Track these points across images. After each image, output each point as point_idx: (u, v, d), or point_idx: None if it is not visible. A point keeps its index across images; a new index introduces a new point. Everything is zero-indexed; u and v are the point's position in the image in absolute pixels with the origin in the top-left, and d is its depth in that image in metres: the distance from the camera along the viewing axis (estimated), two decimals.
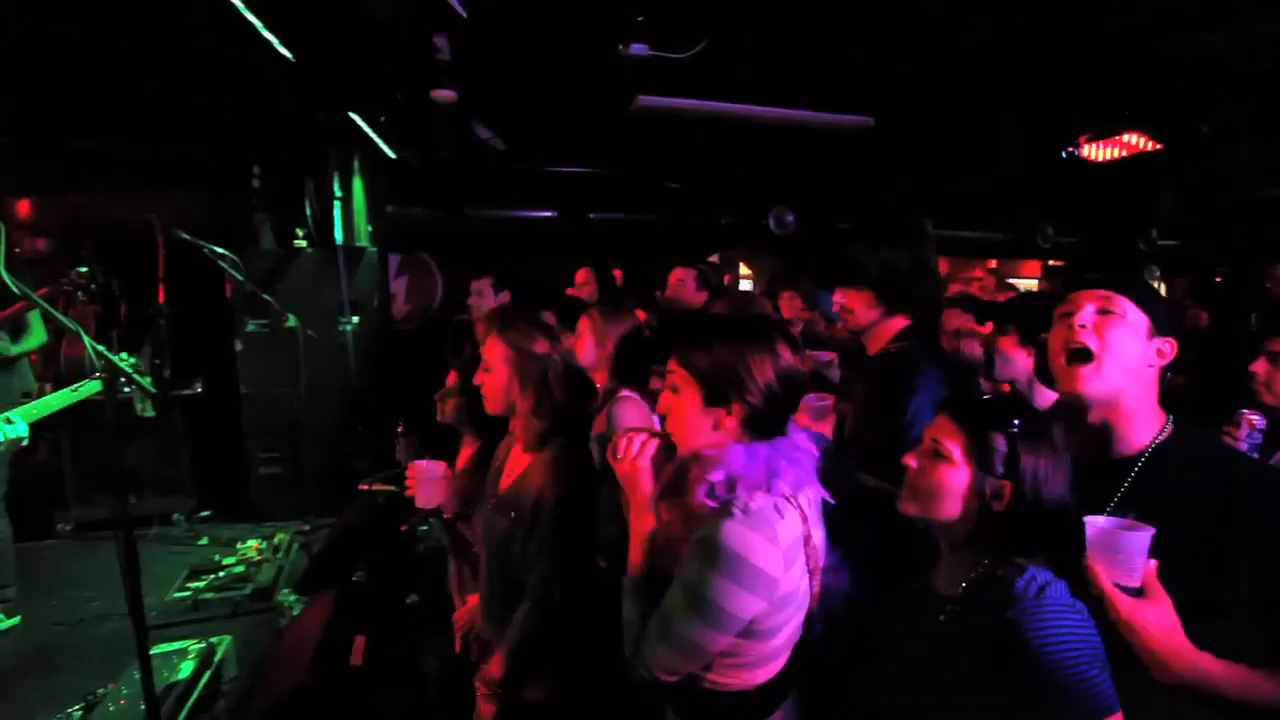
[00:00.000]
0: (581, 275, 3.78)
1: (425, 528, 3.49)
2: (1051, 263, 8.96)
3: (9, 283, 1.64)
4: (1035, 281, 9.26)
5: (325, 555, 3.50)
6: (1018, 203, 6.93)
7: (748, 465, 1.15)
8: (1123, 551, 0.97)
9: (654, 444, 1.27)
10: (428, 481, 1.91)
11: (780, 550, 1.11)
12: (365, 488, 3.30)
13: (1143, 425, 1.19)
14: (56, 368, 4.07)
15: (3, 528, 3.22)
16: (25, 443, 1.89)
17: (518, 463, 1.72)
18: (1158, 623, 0.96)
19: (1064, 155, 4.52)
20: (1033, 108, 4.25)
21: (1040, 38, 3.24)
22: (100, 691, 2.47)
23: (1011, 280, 5.92)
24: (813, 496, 1.23)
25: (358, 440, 4.41)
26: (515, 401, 1.67)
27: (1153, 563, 0.97)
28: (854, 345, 2.09)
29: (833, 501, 1.25)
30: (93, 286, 3.19)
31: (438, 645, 2.65)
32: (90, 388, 1.96)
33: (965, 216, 6.89)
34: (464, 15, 2.82)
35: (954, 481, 1.08)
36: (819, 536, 1.23)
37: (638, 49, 3.23)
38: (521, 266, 3.75)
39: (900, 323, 1.79)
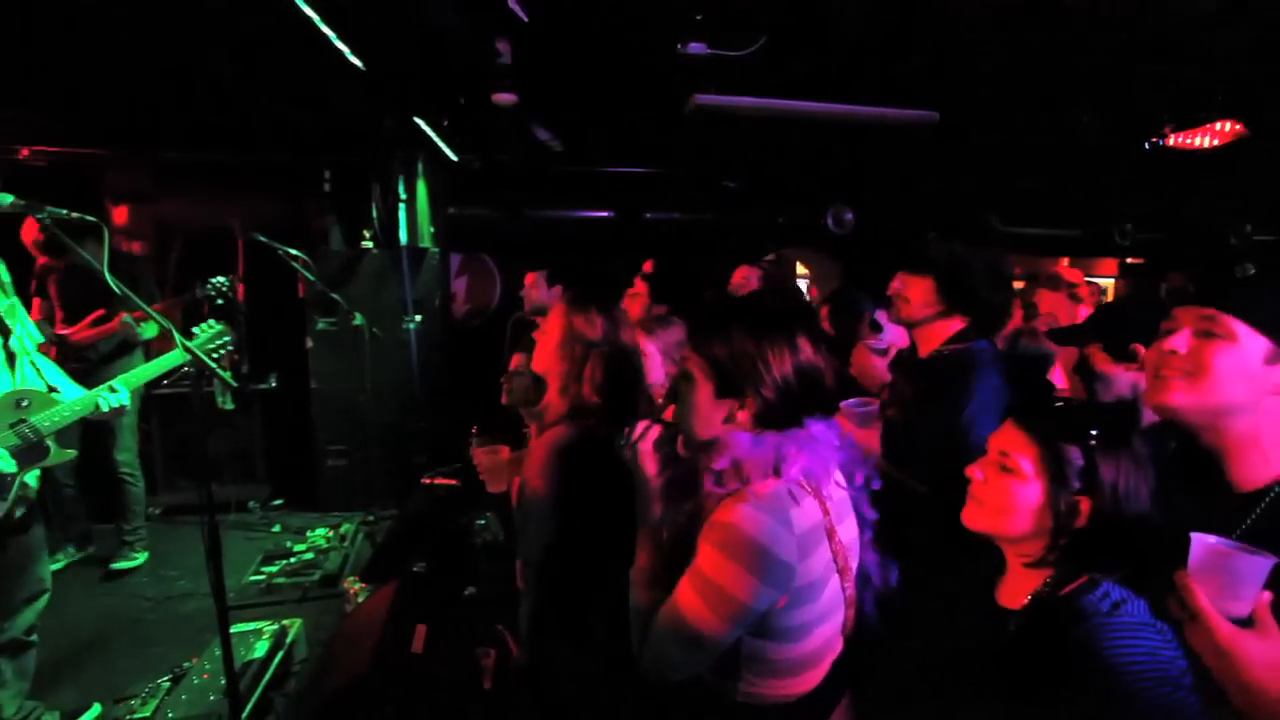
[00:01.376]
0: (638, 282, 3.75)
1: (482, 521, 3.57)
2: (1130, 260, 8.47)
3: (111, 284, 1.77)
4: (1111, 281, 8.77)
5: (388, 546, 3.63)
6: (1094, 197, 6.59)
7: (754, 451, 1.10)
8: (1235, 575, 0.88)
9: (656, 429, 1.23)
10: (493, 468, 1.93)
11: (794, 536, 1.05)
12: (427, 482, 3.41)
13: (1265, 459, 1.05)
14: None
15: (140, 480, 3.71)
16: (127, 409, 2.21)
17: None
18: (1263, 657, 0.86)
19: (1147, 146, 4.27)
20: (1114, 96, 4.03)
21: (1125, 20, 3.07)
22: (185, 665, 2.64)
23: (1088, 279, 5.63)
24: (838, 492, 1.18)
25: (419, 435, 4.56)
26: (551, 371, 1.66)
27: (1267, 594, 0.88)
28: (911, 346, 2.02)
29: (850, 489, 1.20)
30: (227, 291, 3.45)
31: (493, 637, 2.71)
32: (175, 358, 2.21)
33: (1035, 212, 6.59)
34: (524, 19, 2.88)
35: (1024, 497, 1.02)
36: (847, 534, 1.17)
37: (696, 48, 3.23)
38: (579, 266, 3.78)
39: (957, 324, 1.70)
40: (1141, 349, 1.65)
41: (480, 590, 3.10)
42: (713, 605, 1.04)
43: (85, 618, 3.22)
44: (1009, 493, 1.03)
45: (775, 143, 5.08)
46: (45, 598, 2.32)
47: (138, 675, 2.73)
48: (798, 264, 8.73)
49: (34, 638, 2.30)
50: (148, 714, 2.39)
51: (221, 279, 3.38)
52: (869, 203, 6.05)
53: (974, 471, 1.08)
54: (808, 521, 1.09)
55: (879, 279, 1.93)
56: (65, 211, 1.95)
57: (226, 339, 2.39)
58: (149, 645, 3.01)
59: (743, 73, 3.42)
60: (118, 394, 2.18)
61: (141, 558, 3.72)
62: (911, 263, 1.71)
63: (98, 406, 2.13)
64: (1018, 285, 3.61)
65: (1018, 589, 1.07)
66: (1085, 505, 0.98)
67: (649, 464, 1.21)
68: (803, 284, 8.37)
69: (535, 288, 3.56)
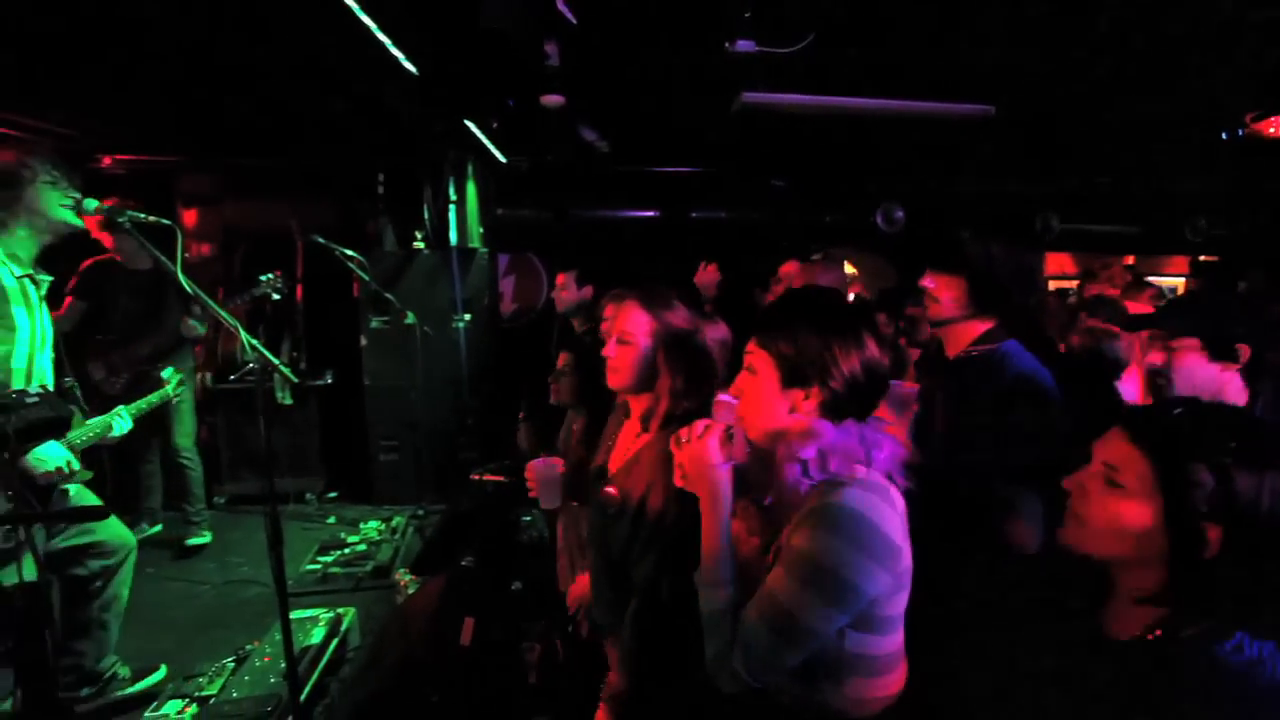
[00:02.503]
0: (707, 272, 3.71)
1: (529, 518, 3.63)
2: (1203, 259, 8.03)
3: (184, 284, 1.87)
4: (1181, 280, 8.32)
5: (437, 539, 3.72)
6: (1162, 192, 6.27)
7: (842, 439, 1.10)
8: None
9: (717, 428, 1.20)
10: (547, 481, 1.87)
11: (899, 516, 1.06)
12: (476, 478, 3.47)
13: None
14: (215, 361, 4.56)
15: (198, 465, 3.89)
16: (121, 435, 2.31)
17: (633, 443, 1.62)
18: None
19: (1224, 136, 4.05)
20: (1187, 84, 3.83)
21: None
22: (248, 647, 2.76)
23: (1150, 278, 5.35)
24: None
25: (467, 431, 4.66)
26: (658, 376, 1.54)
27: None
28: (932, 345, 1.98)
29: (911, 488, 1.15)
30: (280, 287, 3.63)
31: (538, 632, 2.75)
32: (161, 395, 2.59)
33: (1098, 208, 6.31)
34: (573, 21, 2.91)
35: (1134, 517, 0.88)
36: None
37: (743, 45, 3.20)
38: (624, 265, 3.80)
39: (983, 325, 1.67)
40: (1246, 350, 1.57)
41: (525, 586, 3.15)
42: (820, 589, 1.01)
43: (156, 598, 3.40)
44: (1115, 512, 0.91)
45: (824, 140, 5.00)
46: (133, 556, 2.54)
47: (204, 654, 2.87)
48: (846, 263, 8.60)
49: (126, 591, 2.53)
50: (214, 691, 2.51)
51: (271, 275, 3.49)
52: (920, 200, 5.91)
53: (1074, 484, 0.97)
54: (901, 504, 1.09)
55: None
56: (144, 215, 2.07)
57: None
58: (214, 627, 3.16)
59: (791, 69, 3.37)
60: (122, 420, 2.30)
61: (208, 536, 3.93)
62: (943, 262, 1.68)
63: (109, 429, 2.25)
64: (1071, 285, 3.47)
65: (1125, 619, 0.94)
66: (1214, 534, 0.84)
67: (713, 454, 1.19)
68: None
69: (565, 289, 3.54)
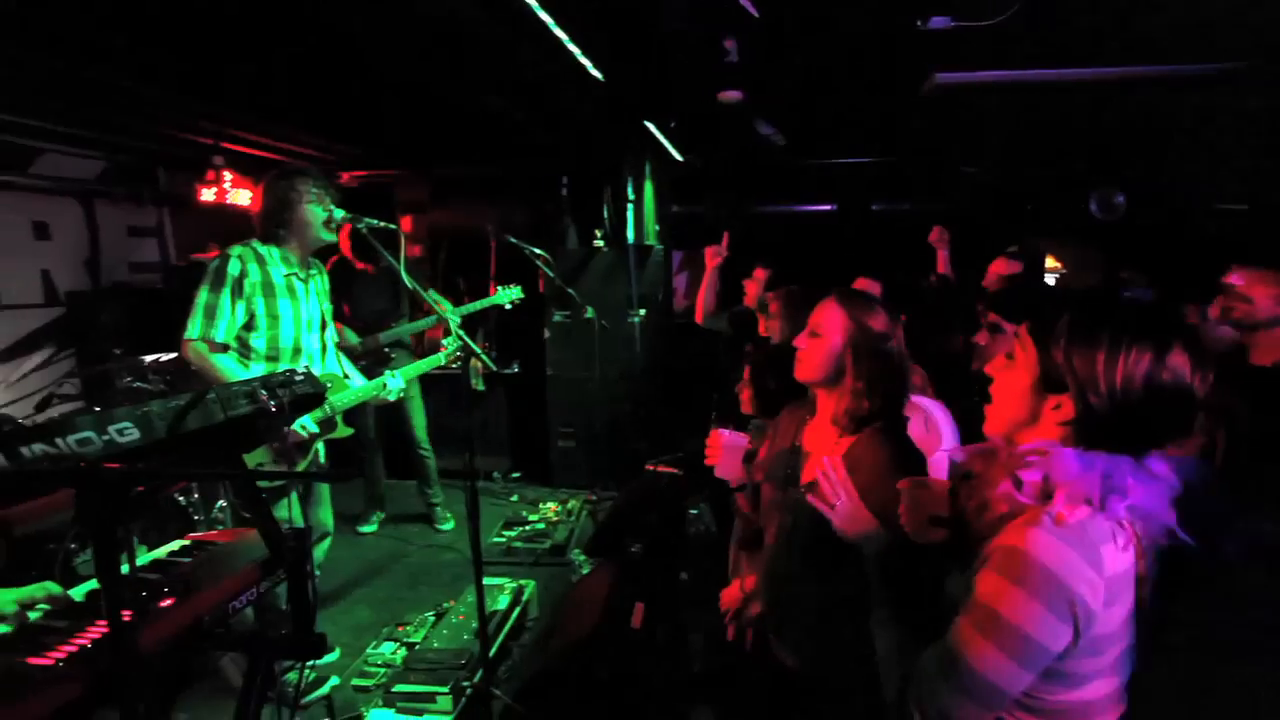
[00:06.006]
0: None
1: (696, 511, 3.68)
2: None
3: (406, 281, 2.14)
4: None
5: (609, 524, 3.89)
6: None
7: (1077, 470, 0.94)
8: None
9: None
10: (730, 450, 1.88)
11: (1103, 580, 0.90)
12: (651, 468, 3.59)
13: None
14: (421, 348, 5.15)
15: (433, 454, 4.31)
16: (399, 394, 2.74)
17: (835, 445, 1.57)
18: None
19: None
20: None
21: None
22: (445, 605, 3.10)
23: None
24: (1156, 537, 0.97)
25: (639, 422, 4.82)
26: (843, 374, 1.54)
27: None
28: (1233, 351, 1.66)
29: (1191, 543, 0.96)
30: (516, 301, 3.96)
31: (704, 624, 2.79)
32: (436, 359, 2.94)
33: None
34: (755, 15, 2.88)
35: None
36: None
37: (938, 22, 2.98)
38: (800, 261, 3.71)
39: None
40: None
41: (692, 577, 3.20)
42: (1003, 645, 0.93)
43: (376, 553, 3.95)
44: None
45: (1024, 121, 4.48)
46: (328, 540, 2.86)
47: (410, 605, 3.28)
48: (1048, 257, 7.68)
49: (317, 570, 2.84)
50: (419, 639, 2.86)
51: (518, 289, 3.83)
52: (1147, 181, 5.10)
53: None
54: (1120, 565, 0.93)
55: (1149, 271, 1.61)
56: (378, 222, 2.40)
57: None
58: (419, 584, 3.59)
59: (989, 43, 3.07)
60: (395, 381, 2.70)
61: (452, 522, 4.32)
62: (1257, 257, 1.42)
63: (381, 392, 2.66)
64: None
65: None
66: None
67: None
68: (1049, 280, 7.34)
69: (757, 283, 3.56)
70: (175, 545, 1.45)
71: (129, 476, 0.83)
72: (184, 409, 1.13)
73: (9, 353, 4.38)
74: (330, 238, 2.53)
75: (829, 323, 1.57)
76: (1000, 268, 3.31)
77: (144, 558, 1.38)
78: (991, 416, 1.08)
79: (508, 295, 3.78)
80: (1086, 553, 0.90)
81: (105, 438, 0.99)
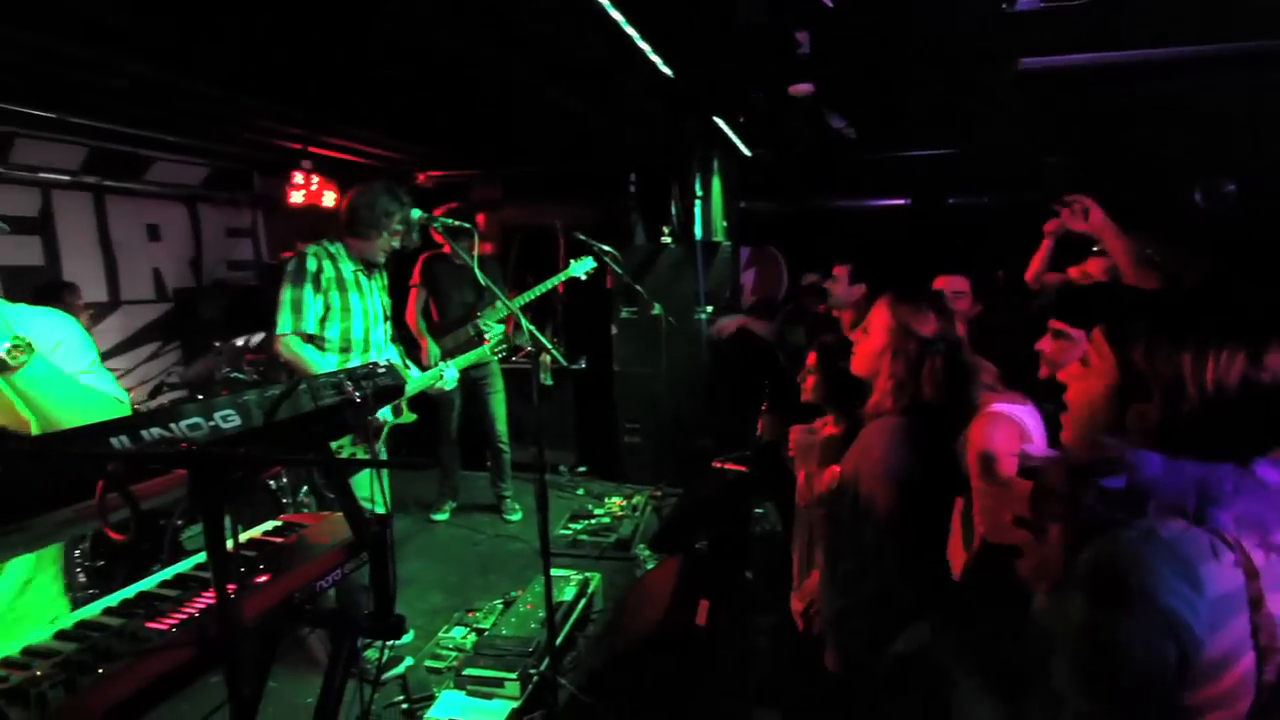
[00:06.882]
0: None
1: (761, 510, 3.64)
2: None
3: (480, 278, 2.21)
4: None
5: (675, 520, 3.91)
6: None
7: (1164, 479, 0.87)
8: None
9: None
10: (807, 445, 1.94)
11: (1203, 600, 0.82)
12: (717, 465, 3.58)
13: None
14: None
15: (509, 449, 4.44)
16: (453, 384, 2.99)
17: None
18: None
19: None
20: None
21: None
22: (513, 594, 3.19)
23: None
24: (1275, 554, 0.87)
25: (705, 420, 4.80)
26: (881, 372, 1.61)
27: None
28: None
29: None
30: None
31: (767, 624, 2.76)
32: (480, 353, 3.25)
33: None
34: (829, 5, 2.81)
35: None
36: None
37: (1026, 4, 2.83)
38: (872, 256, 3.59)
39: None
40: None
41: (756, 577, 3.17)
42: (1095, 675, 0.87)
43: (448, 540, 4.09)
44: None
45: (1114, 107, 4.19)
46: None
47: (479, 592, 3.39)
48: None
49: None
50: (488, 625, 2.95)
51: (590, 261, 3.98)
52: (1246, 173, 4.67)
53: None
54: (1225, 584, 0.84)
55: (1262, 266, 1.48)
56: (453, 220, 2.49)
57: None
58: (488, 572, 3.69)
59: (1080, 23, 2.89)
60: (451, 372, 2.94)
61: (520, 514, 4.41)
62: None
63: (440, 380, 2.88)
64: None
65: None
66: None
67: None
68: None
69: (838, 283, 3.46)
70: (269, 525, 1.55)
71: (234, 460, 0.90)
72: (278, 399, 1.20)
73: (126, 344, 4.78)
74: (396, 246, 2.70)
75: (876, 322, 1.64)
76: (1094, 268, 3.08)
77: (241, 536, 1.48)
78: (1069, 425, 1.03)
79: (581, 267, 3.95)
80: (1184, 571, 0.83)
81: (211, 424, 1.07)
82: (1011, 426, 1.77)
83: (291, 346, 2.51)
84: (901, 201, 5.72)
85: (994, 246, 3.94)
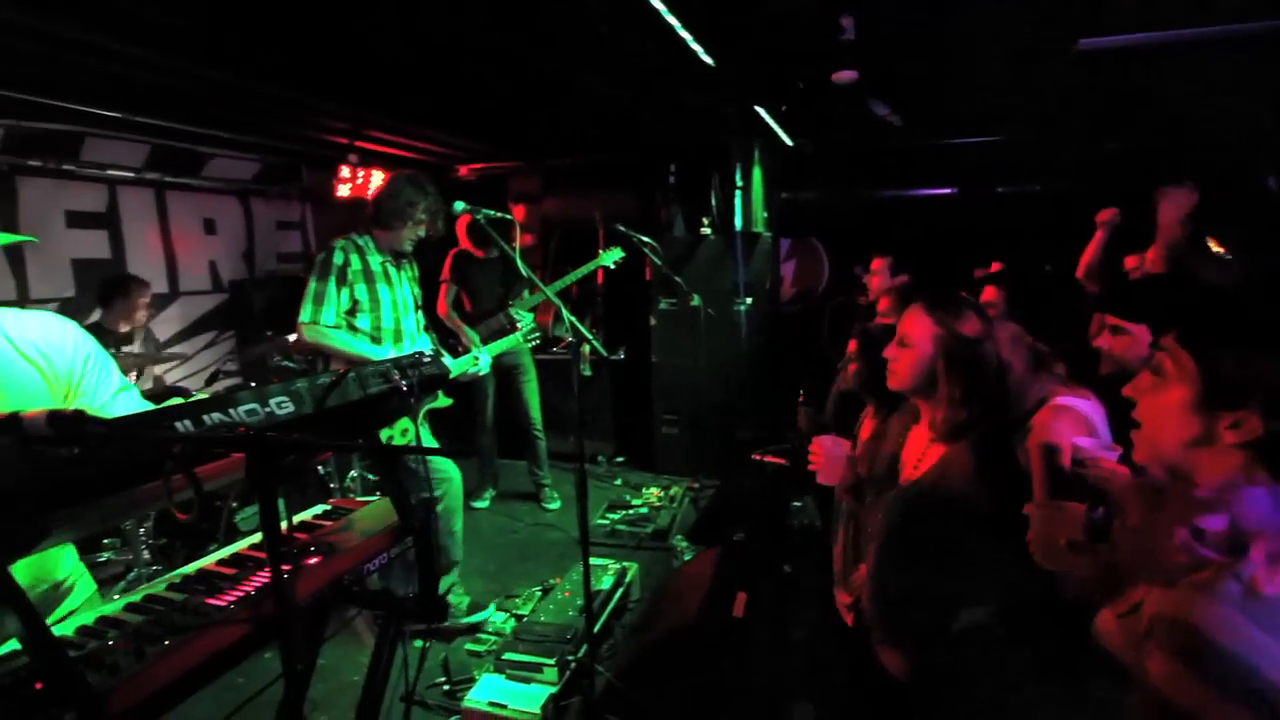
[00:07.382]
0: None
1: (799, 504, 3.61)
2: None
3: (520, 267, 2.24)
4: None
5: (713, 512, 3.90)
6: None
7: (1272, 517, 0.77)
8: None
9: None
10: (834, 459, 1.88)
11: None
12: (757, 458, 3.56)
13: None
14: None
15: (545, 437, 4.51)
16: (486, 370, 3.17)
17: (926, 451, 1.59)
18: None
19: None
20: None
21: None
22: (551, 582, 3.23)
23: None
24: None
25: (743, 411, 4.77)
26: (937, 384, 1.52)
27: None
28: None
29: None
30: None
31: (807, 618, 2.74)
32: (513, 340, 3.43)
33: None
34: None
35: None
36: None
37: None
38: (917, 248, 3.51)
39: None
40: None
41: (795, 571, 3.15)
42: None
43: (488, 528, 4.17)
44: None
45: (1178, 89, 3.98)
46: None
47: (518, 580, 3.44)
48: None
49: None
50: (527, 611, 3.00)
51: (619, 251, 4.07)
52: None
53: None
54: None
55: None
56: (494, 212, 2.52)
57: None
58: (527, 559, 3.75)
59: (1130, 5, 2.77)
60: (485, 357, 3.10)
61: (558, 502, 4.47)
62: None
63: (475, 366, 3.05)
64: None
65: None
66: None
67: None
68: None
69: (879, 274, 3.40)
70: (319, 509, 1.61)
71: (289, 445, 0.94)
72: (328, 387, 1.24)
73: (185, 334, 4.99)
74: (423, 235, 2.79)
75: (917, 331, 1.54)
76: (1152, 256, 2.96)
77: (293, 519, 1.54)
78: (1142, 444, 0.93)
79: (610, 256, 4.03)
80: None
81: (266, 410, 1.11)
82: (1078, 419, 1.71)
83: (313, 333, 2.64)
84: (948, 191, 5.56)
85: (1042, 238, 3.81)
